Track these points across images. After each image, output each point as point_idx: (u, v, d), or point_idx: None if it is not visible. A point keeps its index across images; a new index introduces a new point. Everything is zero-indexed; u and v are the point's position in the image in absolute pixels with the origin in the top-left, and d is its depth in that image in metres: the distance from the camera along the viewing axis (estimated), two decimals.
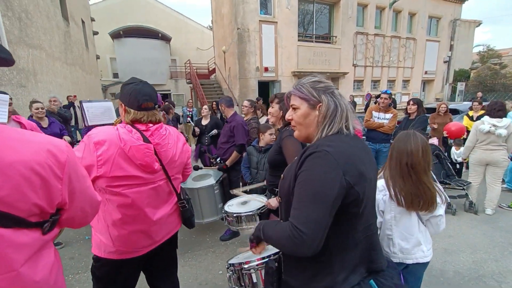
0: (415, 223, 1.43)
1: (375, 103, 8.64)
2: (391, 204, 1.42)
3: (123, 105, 1.31)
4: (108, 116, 2.64)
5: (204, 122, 4.76)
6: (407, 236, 1.42)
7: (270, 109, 2.01)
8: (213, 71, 15.77)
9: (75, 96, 7.40)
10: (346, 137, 0.91)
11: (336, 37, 12.02)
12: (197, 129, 4.17)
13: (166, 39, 18.03)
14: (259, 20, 10.01)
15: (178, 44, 19.61)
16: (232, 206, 1.88)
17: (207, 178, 2.98)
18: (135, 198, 1.26)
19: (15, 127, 0.71)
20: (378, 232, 1.45)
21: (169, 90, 18.88)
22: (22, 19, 6.03)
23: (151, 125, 1.31)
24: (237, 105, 10.32)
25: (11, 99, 2.36)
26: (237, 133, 3.03)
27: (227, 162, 3.04)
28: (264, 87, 11.47)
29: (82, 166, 0.88)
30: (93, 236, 1.36)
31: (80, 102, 2.04)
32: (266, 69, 10.80)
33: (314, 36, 11.81)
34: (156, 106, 1.35)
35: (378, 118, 3.98)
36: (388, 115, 3.94)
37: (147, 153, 1.24)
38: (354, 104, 10.72)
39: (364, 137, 4.12)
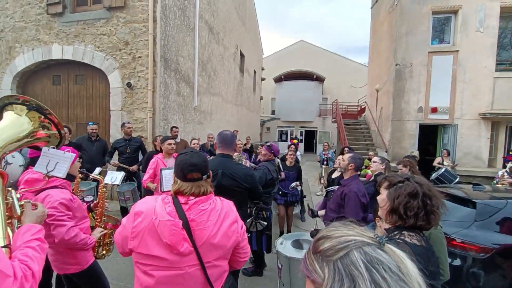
0: None
1: None
2: None
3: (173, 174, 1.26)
4: None
5: (336, 174, 3.72)
6: None
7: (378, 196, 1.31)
8: (363, 110, 14.50)
9: (237, 131, 9.06)
10: None
11: None
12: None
13: (320, 79, 19.16)
14: (429, 52, 8.11)
15: (331, 83, 20.19)
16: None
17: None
18: (159, 283, 1.10)
19: None
20: None
21: (316, 127, 19.49)
22: (210, 76, 8.30)
23: (192, 197, 1.15)
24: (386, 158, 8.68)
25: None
26: (348, 204, 2.22)
27: None
28: (429, 132, 8.90)
29: (30, 229, 1.01)
30: None
31: (160, 170, 2.19)
32: (435, 110, 8.37)
33: None
34: (204, 176, 1.19)
35: None
36: None
37: (173, 231, 1.07)
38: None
39: None
